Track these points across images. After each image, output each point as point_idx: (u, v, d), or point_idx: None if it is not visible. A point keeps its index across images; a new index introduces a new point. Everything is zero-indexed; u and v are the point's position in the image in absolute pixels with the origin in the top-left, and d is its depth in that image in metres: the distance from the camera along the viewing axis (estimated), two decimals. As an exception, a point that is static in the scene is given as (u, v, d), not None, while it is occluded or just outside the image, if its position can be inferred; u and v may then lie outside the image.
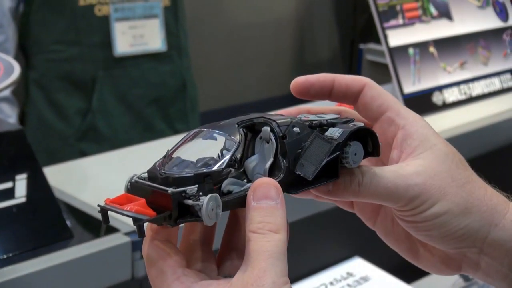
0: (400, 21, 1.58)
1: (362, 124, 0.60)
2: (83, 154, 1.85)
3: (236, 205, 0.57)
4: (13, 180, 1.00)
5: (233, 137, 0.56)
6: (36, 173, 1.02)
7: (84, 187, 1.26)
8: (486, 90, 1.71)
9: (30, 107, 1.92)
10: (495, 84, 1.73)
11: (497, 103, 1.73)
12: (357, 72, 3.65)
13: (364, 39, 3.80)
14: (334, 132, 0.58)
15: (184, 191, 0.53)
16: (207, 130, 0.58)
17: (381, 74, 2.07)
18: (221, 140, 0.57)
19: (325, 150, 0.57)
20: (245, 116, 0.60)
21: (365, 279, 1.28)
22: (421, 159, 0.59)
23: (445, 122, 1.59)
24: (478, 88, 1.69)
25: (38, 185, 1.02)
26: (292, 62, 4.42)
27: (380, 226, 0.66)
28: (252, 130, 0.60)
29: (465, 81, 1.67)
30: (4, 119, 1.41)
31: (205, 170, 0.54)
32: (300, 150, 0.58)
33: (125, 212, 0.53)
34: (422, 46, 1.60)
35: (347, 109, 0.66)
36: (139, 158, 1.34)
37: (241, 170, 0.59)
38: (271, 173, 0.58)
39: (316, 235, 1.30)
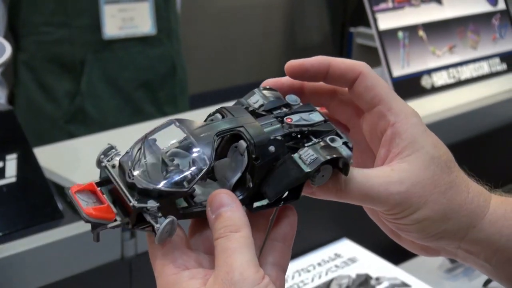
0: (390, 4, 1.59)
1: (341, 151, 0.59)
2: (71, 136, 1.85)
3: (197, 216, 0.59)
4: (3, 159, 1.00)
5: (205, 157, 0.56)
6: (26, 153, 1.02)
7: (73, 168, 1.27)
8: (475, 74, 1.72)
9: (19, 88, 1.92)
10: (484, 68, 1.75)
11: (485, 87, 1.74)
12: (347, 55, 3.65)
13: (354, 22, 3.81)
14: (308, 156, 0.58)
15: (146, 208, 0.55)
16: (186, 137, 0.58)
17: (371, 58, 2.07)
18: (196, 150, 0.57)
19: (293, 176, 0.58)
20: (227, 123, 0.58)
21: (352, 260, 1.30)
22: (407, 163, 0.60)
23: (434, 105, 1.60)
24: (466, 72, 1.70)
25: (28, 165, 1.03)
26: (282, 46, 4.41)
27: (366, 207, 0.68)
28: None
29: (454, 65, 1.68)
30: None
31: (171, 189, 0.55)
32: (270, 169, 0.58)
33: (84, 215, 0.55)
34: (411, 30, 1.61)
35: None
36: (128, 140, 1.34)
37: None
38: (235, 186, 0.59)
39: (305, 217, 1.31)
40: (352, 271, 1.26)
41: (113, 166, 0.58)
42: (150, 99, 2.00)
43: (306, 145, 0.59)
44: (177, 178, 0.56)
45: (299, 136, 0.60)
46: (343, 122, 0.68)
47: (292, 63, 0.64)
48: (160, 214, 0.55)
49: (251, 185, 0.59)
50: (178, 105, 2.07)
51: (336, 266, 1.28)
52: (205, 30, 4.01)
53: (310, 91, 0.66)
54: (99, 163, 0.59)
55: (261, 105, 0.62)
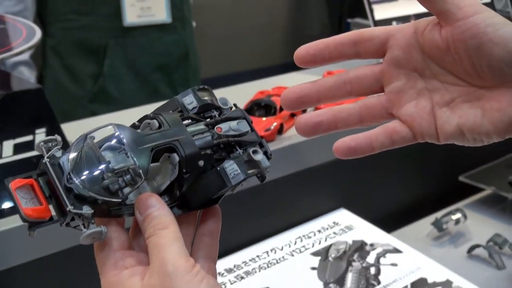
0: (385, -4, 1.57)
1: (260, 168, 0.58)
2: (94, 114, 1.85)
3: (128, 216, 0.58)
4: (33, 133, 0.99)
5: (141, 172, 0.55)
6: (54, 128, 1.02)
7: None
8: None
9: (47, 71, 1.91)
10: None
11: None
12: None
13: (351, 14, 3.78)
14: (232, 170, 0.57)
15: (80, 214, 0.54)
16: (124, 146, 0.56)
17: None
18: (132, 163, 0.55)
19: (217, 188, 0.58)
20: (162, 137, 0.57)
21: (349, 228, 1.29)
22: None
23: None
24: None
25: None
26: (285, 35, 4.39)
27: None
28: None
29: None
30: (25, 79, 1.41)
31: (106, 198, 0.54)
32: (196, 179, 0.58)
33: (22, 215, 0.53)
34: (404, 20, 1.59)
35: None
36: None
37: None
38: (163, 192, 0.59)
39: (306, 188, 1.31)
40: (349, 238, 1.26)
41: (53, 164, 0.55)
42: (165, 81, 2.00)
43: (231, 156, 0.59)
44: (113, 188, 0.55)
45: (225, 145, 0.59)
46: None
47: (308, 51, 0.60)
48: (93, 220, 0.54)
49: (178, 194, 0.59)
50: (190, 87, 2.05)
51: (334, 233, 1.27)
52: (215, 20, 3.99)
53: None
54: (38, 148, 0.57)
55: (194, 107, 0.61)
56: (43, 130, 1.00)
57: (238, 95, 1.57)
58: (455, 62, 0.55)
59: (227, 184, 0.57)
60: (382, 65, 0.60)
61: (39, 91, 1.01)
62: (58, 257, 0.95)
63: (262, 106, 1.22)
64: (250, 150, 0.58)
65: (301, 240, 1.24)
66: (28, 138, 0.99)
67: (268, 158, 0.59)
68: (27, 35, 1.00)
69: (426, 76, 0.58)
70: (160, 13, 1.93)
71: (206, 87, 0.63)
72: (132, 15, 1.88)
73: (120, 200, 0.55)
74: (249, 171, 0.58)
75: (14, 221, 0.90)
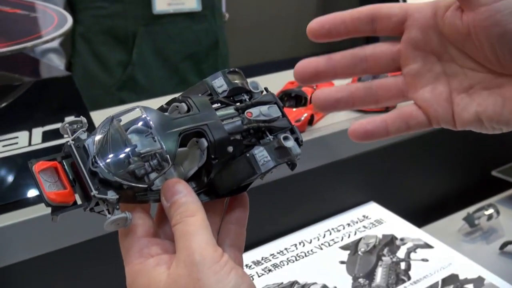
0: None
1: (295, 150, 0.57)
2: (122, 102, 1.86)
3: (153, 202, 0.57)
4: (63, 121, 0.99)
5: (168, 157, 0.54)
6: (83, 115, 1.01)
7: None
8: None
9: (76, 58, 1.92)
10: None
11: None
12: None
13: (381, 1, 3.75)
14: (261, 157, 0.56)
15: (105, 199, 0.53)
16: (151, 130, 0.55)
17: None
18: (159, 147, 0.54)
19: (246, 175, 0.57)
20: (191, 121, 0.56)
21: (379, 221, 1.28)
22: None
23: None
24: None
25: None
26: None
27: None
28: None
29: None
30: (55, 67, 1.41)
31: (132, 183, 0.53)
32: (225, 165, 0.57)
33: (46, 200, 0.52)
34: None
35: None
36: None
37: None
38: (190, 178, 0.58)
39: (336, 181, 1.30)
40: (379, 232, 1.25)
41: (78, 147, 0.54)
42: (194, 70, 2.00)
43: (261, 142, 0.58)
44: (139, 172, 0.54)
45: (255, 131, 0.59)
46: None
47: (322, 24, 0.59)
48: (118, 206, 0.53)
49: (205, 180, 0.58)
50: (219, 77, 2.06)
51: (364, 226, 1.26)
52: (245, 9, 3.98)
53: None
54: (63, 130, 0.56)
55: (224, 91, 0.60)
56: (72, 117, 1.00)
57: (268, 85, 1.55)
58: (476, 48, 0.54)
59: (256, 171, 0.56)
60: (400, 45, 0.59)
61: (68, 78, 1.02)
62: (61, 254, 0.93)
63: (292, 97, 1.22)
64: (281, 137, 0.57)
65: (330, 234, 1.23)
66: (57, 125, 0.99)
67: (299, 145, 0.58)
68: (58, 22, 1.00)
69: (444, 60, 0.57)
70: (190, 1, 1.93)
71: (236, 69, 0.62)
72: (161, 3, 1.88)
73: (146, 185, 0.54)
74: (279, 158, 0.57)
75: (15, 217, 0.88)
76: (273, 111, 0.60)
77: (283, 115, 0.60)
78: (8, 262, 0.88)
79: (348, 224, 1.26)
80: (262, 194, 1.09)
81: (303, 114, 1.16)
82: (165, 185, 0.56)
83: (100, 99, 1.86)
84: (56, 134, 0.99)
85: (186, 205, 0.54)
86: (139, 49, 1.89)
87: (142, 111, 0.56)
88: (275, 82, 1.26)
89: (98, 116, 1.25)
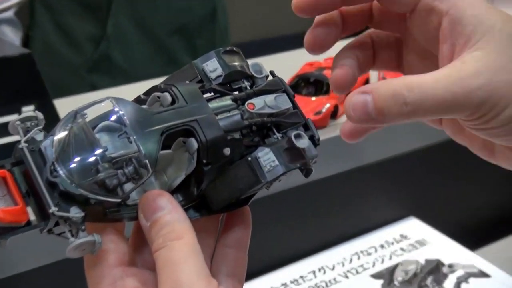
0: None
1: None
2: (94, 87, 1.87)
3: (129, 220, 0.56)
4: (19, 112, 1.00)
5: (147, 163, 0.53)
6: (46, 105, 1.02)
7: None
8: None
9: (36, 31, 1.92)
10: None
11: None
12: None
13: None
14: (267, 161, 0.56)
15: (67, 217, 0.51)
16: (125, 128, 0.54)
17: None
18: (136, 151, 0.54)
19: (247, 184, 0.56)
20: (176, 116, 0.55)
21: (421, 243, 1.29)
22: (479, 50, 0.54)
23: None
24: None
25: (48, 119, 1.02)
26: None
27: (447, 126, 0.64)
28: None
29: None
30: (8, 42, 1.42)
31: (101, 197, 0.52)
32: (220, 172, 0.57)
33: None
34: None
35: None
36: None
37: None
38: (176, 189, 0.57)
39: (366, 191, 1.30)
40: (421, 256, 1.25)
41: (32, 150, 0.53)
42: (185, 47, 2.00)
43: (267, 141, 0.58)
44: (110, 183, 0.53)
45: (259, 127, 0.58)
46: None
47: None
48: (83, 226, 0.52)
49: (195, 192, 0.57)
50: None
51: (402, 249, 1.27)
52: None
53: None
54: (13, 128, 0.54)
55: (219, 76, 0.60)
56: (31, 107, 1.01)
57: (279, 67, 1.55)
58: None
59: (261, 179, 0.55)
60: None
61: (26, 57, 1.02)
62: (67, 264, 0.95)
63: (311, 82, 1.22)
64: (292, 134, 0.57)
65: (358, 258, 1.24)
66: (12, 117, 0.98)
67: (316, 144, 0.58)
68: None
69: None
70: (180, -42, 1.94)
71: (234, 48, 0.62)
72: (143, -39, 1.89)
73: (119, 200, 0.54)
74: (290, 163, 0.56)
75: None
76: (281, 102, 0.60)
77: (295, 106, 0.60)
78: (15, 271, 0.92)
79: (381, 246, 1.27)
80: (269, 208, 1.10)
81: (325, 104, 1.17)
82: (143, 199, 0.55)
83: (66, 83, 1.87)
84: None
85: (171, 224, 0.54)
86: (116, 19, 1.89)
87: (114, 103, 0.55)
88: (289, 63, 1.27)
89: (64, 105, 1.25)
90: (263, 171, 0.55)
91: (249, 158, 0.56)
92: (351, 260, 1.23)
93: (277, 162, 0.56)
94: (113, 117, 0.54)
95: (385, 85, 0.53)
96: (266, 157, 0.56)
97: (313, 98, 1.18)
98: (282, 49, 1.54)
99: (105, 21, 1.90)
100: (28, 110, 1.00)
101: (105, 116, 0.55)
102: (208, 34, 2.03)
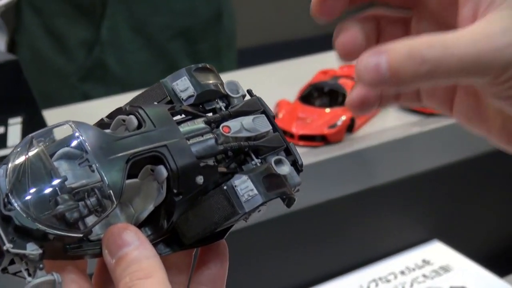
0: None
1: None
2: (87, 97, 1.87)
3: (92, 257, 0.56)
4: (5, 124, 1.00)
5: (111, 194, 0.53)
6: (34, 117, 1.02)
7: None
8: None
9: (23, 35, 1.93)
10: None
11: None
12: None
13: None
14: (245, 190, 0.55)
15: (24, 255, 0.51)
16: (87, 155, 0.54)
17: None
18: (99, 181, 0.54)
19: (222, 216, 0.56)
20: (143, 142, 0.55)
21: (445, 268, 1.29)
22: (508, 9, 0.53)
23: None
24: None
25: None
26: None
27: (460, 109, 0.63)
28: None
29: None
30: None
31: (61, 232, 0.52)
32: (193, 203, 0.56)
33: None
34: None
35: None
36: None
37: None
38: (144, 222, 0.57)
39: (384, 212, 1.31)
40: (445, 283, 1.26)
41: None
42: (187, 53, 2.00)
43: (244, 168, 0.58)
44: (70, 216, 0.52)
45: (236, 152, 0.58)
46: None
47: None
48: (41, 264, 0.52)
49: (165, 225, 0.57)
50: (223, 60, 2.07)
51: (424, 275, 1.27)
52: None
53: None
54: None
55: (191, 96, 0.60)
56: (18, 119, 1.01)
57: (290, 75, 1.55)
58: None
59: (238, 210, 0.55)
60: None
61: (13, 64, 1.02)
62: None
63: (325, 93, 1.23)
64: (272, 160, 0.58)
65: (377, 285, 1.24)
66: (-1, 130, 1.00)
67: (298, 171, 0.59)
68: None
69: None
70: (183, -45, 1.95)
71: (208, 66, 0.62)
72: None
73: (81, 234, 0.53)
74: (270, 191, 0.56)
75: None
76: (260, 124, 0.60)
77: (275, 129, 0.60)
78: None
79: (402, 272, 1.27)
80: (277, 231, 1.10)
81: (340, 117, 1.17)
82: (108, 234, 0.55)
83: (56, 93, 1.88)
84: (-5, 141, 1.00)
85: (139, 262, 0.53)
86: (111, 23, 1.90)
87: (74, 127, 0.55)
88: (301, 70, 1.28)
89: (54, 117, 1.26)
90: (240, 201, 0.55)
91: (225, 187, 0.56)
92: (368, 288, 1.24)
93: (255, 191, 0.56)
94: (74, 143, 0.54)
95: (402, 43, 0.52)
96: (244, 185, 0.56)
97: (328, 110, 1.18)
98: (293, 55, 1.55)
99: (99, 24, 1.90)
100: (16, 123, 1.00)
101: (65, 142, 0.55)
102: (213, 38, 2.04)
